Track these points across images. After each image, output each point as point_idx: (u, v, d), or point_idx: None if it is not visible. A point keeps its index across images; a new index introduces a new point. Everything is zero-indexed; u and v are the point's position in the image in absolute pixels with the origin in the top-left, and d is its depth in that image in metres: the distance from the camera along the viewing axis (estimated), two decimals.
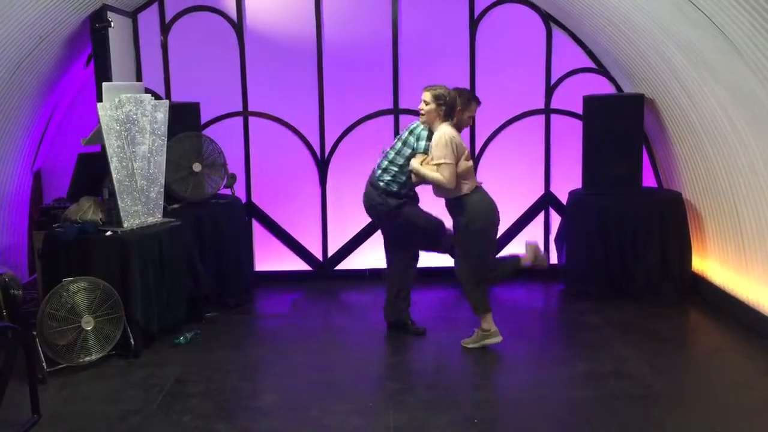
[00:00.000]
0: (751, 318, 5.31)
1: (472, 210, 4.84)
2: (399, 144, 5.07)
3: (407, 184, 5.06)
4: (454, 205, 4.90)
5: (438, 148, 4.77)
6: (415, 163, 4.91)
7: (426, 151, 4.92)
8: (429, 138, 4.91)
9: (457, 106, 4.88)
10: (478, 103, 5.04)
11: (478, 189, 4.90)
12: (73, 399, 4.36)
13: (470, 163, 4.89)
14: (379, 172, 5.10)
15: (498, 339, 5.01)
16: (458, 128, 4.93)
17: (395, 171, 5.04)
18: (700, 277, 6.18)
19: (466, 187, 4.84)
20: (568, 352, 5.05)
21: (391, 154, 5.07)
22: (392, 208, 5.08)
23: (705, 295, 6.06)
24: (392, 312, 5.37)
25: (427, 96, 4.91)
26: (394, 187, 5.06)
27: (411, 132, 5.04)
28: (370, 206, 5.20)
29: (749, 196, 5.15)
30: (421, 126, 5.00)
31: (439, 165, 4.76)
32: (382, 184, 5.07)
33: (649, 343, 5.11)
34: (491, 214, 4.91)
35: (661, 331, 5.38)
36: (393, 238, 5.32)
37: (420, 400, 4.31)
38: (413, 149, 4.98)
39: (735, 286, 5.60)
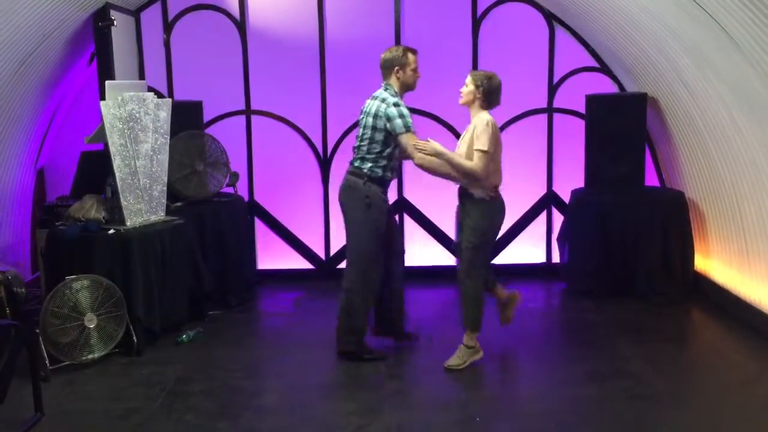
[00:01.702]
0: (753, 317, 5.30)
1: (489, 211, 4.68)
2: (368, 132, 4.68)
3: (389, 166, 4.75)
4: (474, 201, 4.68)
5: (481, 135, 4.55)
6: (448, 154, 4.58)
7: (406, 128, 4.57)
8: (400, 114, 4.59)
9: (405, 65, 4.69)
10: (415, 52, 4.79)
11: (496, 189, 4.70)
12: (76, 397, 4.37)
13: (499, 155, 4.71)
14: (357, 162, 4.75)
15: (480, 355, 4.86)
16: (408, 87, 4.77)
17: (375, 155, 4.68)
18: (703, 276, 6.18)
19: (491, 184, 4.66)
20: (569, 351, 5.05)
21: (366, 145, 4.70)
22: (374, 201, 4.69)
23: (707, 294, 6.05)
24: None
25: (468, 79, 4.71)
26: (379, 172, 4.70)
27: (375, 116, 4.64)
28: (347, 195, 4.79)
29: (752, 195, 5.14)
30: (382, 105, 4.64)
31: (477, 151, 4.54)
32: (365, 170, 4.69)
33: (651, 342, 5.11)
34: (500, 219, 4.78)
35: (664, 330, 5.38)
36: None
37: (421, 399, 4.31)
38: (387, 131, 4.62)
39: (738, 285, 5.59)
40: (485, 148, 4.52)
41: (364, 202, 4.67)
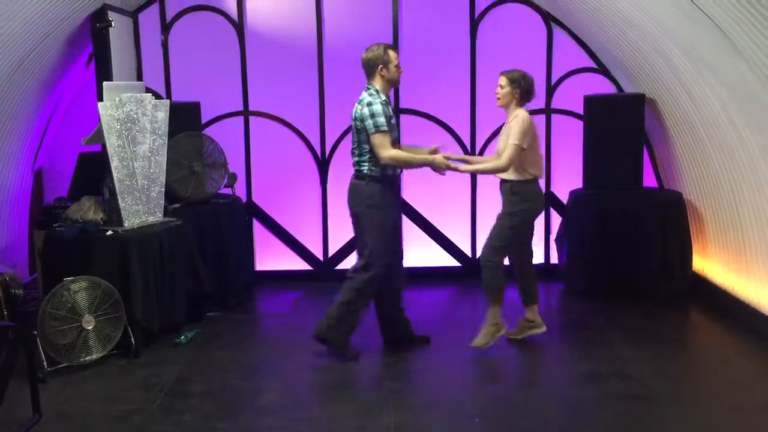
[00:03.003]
0: (751, 318, 5.30)
1: (529, 196, 4.91)
2: (355, 135, 4.77)
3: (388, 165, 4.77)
4: (514, 188, 4.91)
5: (515, 130, 4.78)
6: (464, 167, 4.92)
7: (378, 127, 4.61)
8: (371, 113, 4.64)
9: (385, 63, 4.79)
10: (395, 48, 4.89)
11: (536, 179, 4.95)
12: (74, 398, 4.36)
13: (541, 152, 4.98)
14: (356, 165, 4.82)
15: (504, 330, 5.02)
16: (393, 83, 4.88)
17: (369, 156, 4.73)
18: (701, 277, 6.18)
19: (529, 175, 4.89)
20: (568, 352, 5.05)
21: (356, 148, 4.79)
22: (374, 202, 4.74)
23: (706, 295, 6.06)
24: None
25: (502, 80, 4.88)
26: (379, 170, 4.73)
27: (355, 118, 4.73)
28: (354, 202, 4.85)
29: (750, 196, 5.15)
30: (358, 107, 4.71)
31: (508, 146, 4.77)
32: (365, 171, 4.76)
33: (650, 343, 5.11)
34: (540, 205, 5.04)
35: (662, 331, 5.38)
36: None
37: (420, 400, 4.31)
38: (366, 131, 4.67)
39: (736, 287, 5.60)
40: (517, 142, 4.76)
41: (367, 203, 4.75)
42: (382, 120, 4.65)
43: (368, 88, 4.80)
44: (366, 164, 4.75)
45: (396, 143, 4.82)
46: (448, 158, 4.88)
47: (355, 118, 4.75)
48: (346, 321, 4.87)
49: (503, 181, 4.98)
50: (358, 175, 4.82)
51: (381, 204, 4.77)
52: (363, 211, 4.79)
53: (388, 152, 4.66)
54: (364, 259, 4.82)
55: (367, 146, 4.73)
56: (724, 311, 5.70)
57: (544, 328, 5.19)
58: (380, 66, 4.76)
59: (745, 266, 5.40)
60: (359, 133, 4.74)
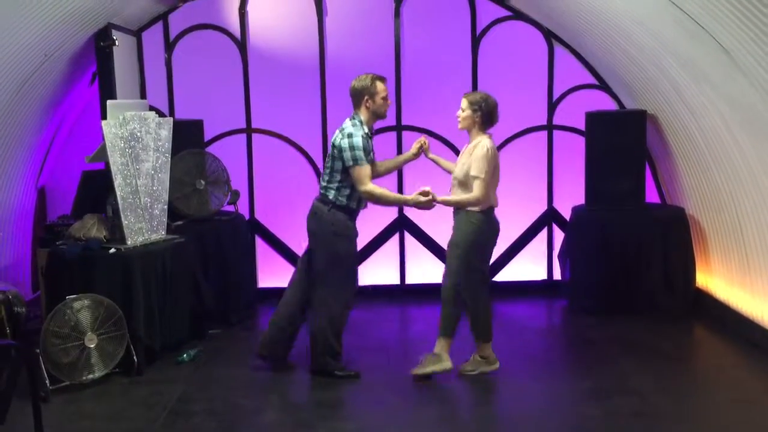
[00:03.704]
0: (755, 334, 5.29)
1: (481, 224, 4.71)
2: (329, 161, 4.76)
3: (354, 195, 4.74)
4: (464, 216, 4.73)
5: (478, 161, 4.61)
6: (439, 198, 4.66)
7: (357, 161, 4.58)
8: (350, 146, 4.60)
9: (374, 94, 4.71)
10: (383, 80, 4.81)
11: (491, 209, 4.78)
12: (76, 417, 4.35)
13: (498, 182, 4.78)
14: (323, 189, 4.80)
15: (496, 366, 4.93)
16: (379, 116, 4.78)
17: (337, 185, 4.73)
18: (704, 292, 6.17)
19: (486, 205, 4.70)
20: (571, 369, 5.04)
21: (327, 174, 4.78)
22: (336, 231, 4.74)
23: (709, 310, 6.04)
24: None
25: (463, 102, 4.76)
26: (344, 201, 4.73)
27: (333, 146, 4.72)
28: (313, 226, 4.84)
29: (752, 212, 5.14)
30: (339, 136, 4.70)
31: (475, 179, 4.61)
32: (330, 197, 4.73)
33: (653, 359, 5.10)
34: (494, 232, 4.84)
35: (665, 347, 5.36)
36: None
37: (423, 417, 4.29)
38: (344, 161, 4.66)
39: (739, 302, 5.58)
40: (482, 176, 4.59)
41: (330, 230, 4.73)
42: (360, 154, 4.61)
43: (353, 118, 4.77)
44: (333, 192, 4.73)
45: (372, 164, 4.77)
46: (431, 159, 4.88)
47: (333, 145, 4.72)
48: (329, 348, 4.84)
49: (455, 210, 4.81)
50: (323, 199, 4.77)
51: (344, 232, 4.76)
52: (326, 237, 4.74)
53: (365, 186, 4.64)
54: (320, 283, 4.79)
55: (338, 175, 4.71)
56: (727, 327, 5.68)
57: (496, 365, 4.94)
58: (366, 97, 4.72)
59: (748, 281, 5.39)
60: (334, 159, 4.71)
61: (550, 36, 6.69)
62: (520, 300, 6.45)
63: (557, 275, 6.84)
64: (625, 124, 6.19)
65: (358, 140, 4.62)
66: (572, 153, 6.75)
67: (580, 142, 6.52)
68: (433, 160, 5.15)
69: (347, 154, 4.63)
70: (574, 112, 6.69)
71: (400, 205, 4.79)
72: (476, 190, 4.62)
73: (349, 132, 4.66)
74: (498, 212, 5.02)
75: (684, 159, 6.00)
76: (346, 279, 4.83)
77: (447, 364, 4.76)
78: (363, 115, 4.76)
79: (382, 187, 4.77)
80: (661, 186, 6.77)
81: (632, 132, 6.16)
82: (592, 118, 6.26)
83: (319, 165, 6.83)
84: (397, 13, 6.66)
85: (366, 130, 4.72)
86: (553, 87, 6.78)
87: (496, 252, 5.39)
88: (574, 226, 6.41)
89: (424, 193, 4.64)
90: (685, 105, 5.54)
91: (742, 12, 4.04)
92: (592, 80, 6.76)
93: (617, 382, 4.69)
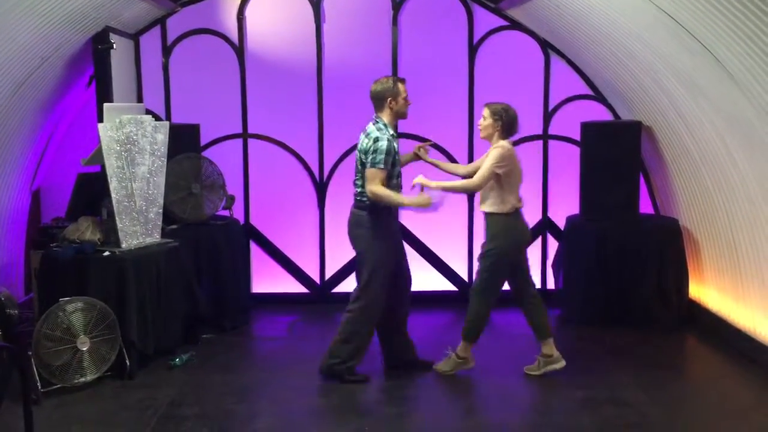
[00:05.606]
0: (747, 345, 5.30)
1: (502, 233, 4.84)
2: (360, 166, 4.82)
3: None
4: (491, 221, 4.88)
5: (491, 156, 4.79)
6: (433, 184, 4.76)
7: (375, 164, 4.64)
8: (375, 149, 4.65)
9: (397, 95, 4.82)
10: (404, 81, 4.92)
11: (518, 210, 4.89)
12: (68, 420, 4.33)
13: (520, 182, 4.91)
14: (359, 195, 4.87)
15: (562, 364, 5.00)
16: (401, 116, 4.89)
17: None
18: (697, 304, 6.18)
19: (509, 206, 4.82)
20: (564, 379, 5.03)
21: (359, 179, 4.83)
22: (372, 229, 4.80)
23: (702, 322, 6.05)
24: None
25: (485, 111, 4.90)
26: (380, 204, 4.77)
27: (360, 150, 4.80)
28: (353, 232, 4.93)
29: (746, 224, 5.17)
30: (365, 140, 4.76)
31: (486, 167, 4.76)
32: (367, 201, 4.78)
33: (646, 370, 5.10)
34: (522, 236, 4.95)
35: (658, 358, 5.37)
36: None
37: (415, 425, 4.29)
38: (371, 164, 4.70)
39: (732, 313, 5.60)
40: (493, 163, 4.75)
41: (367, 233, 4.79)
42: (382, 158, 4.65)
43: (376, 121, 4.82)
44: (367, 195, 4.76)
45: (398, 177, 4.84)
46: (426, 154, 5.08)
47: (360, 150, 4.78)
48: (352, 356, 4.86)
49: (483, 215, 4.95)
50: (359, 205, 4.85)
51: (380, 234, 4.80)
52: (363, 241, 4.81)
53: (373, 186, 4.66)
54: (359, 287, 4.85)
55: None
56: (719, 338, 5.69)
57: (562, 363, 5.03)
58: (389, 99, 4.79)
59: (741, 293, 5.41)
60: (364, 165, 4.76)
61: (546, 46, 6.72)
62: (514, 309, 6.43)
63: (551, 285, 6.85)
64: (621, 135, 6.21)
65: (384, 144, 4.67)
66: (567, 163, 6.77)
67: (575, 152, 6.54)
68: (433, 164, 5.20)
69: (370, 156, 4.67)
70: (569, 122, 6.71)
71: (402, 206, 4.80)
72: (476, 177, 4.76)
73: (376, 136, 4.71)
74: None
75: (678, 171, 6.03)
76: (384, 282, 4.82)
77: (470, 363, 5.03)
78: (386, 117, 4.82)
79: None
80: (655, 197, 6.79)
81: (627, 143, 6.18)
82: (588, 128, 6.28)
83: (315, 170, 6.83)
84: (395, 21, 6.68)
85: (391, 132, 4.79)
86: (548, 97, 6.80)
87: None
88: (569, 236, 6.43)
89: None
90: (680, 117, 5.57)
91: (739, 27, 4.07)
92: (587, 91, 6.79)
93: (610, 393, 4.69)
